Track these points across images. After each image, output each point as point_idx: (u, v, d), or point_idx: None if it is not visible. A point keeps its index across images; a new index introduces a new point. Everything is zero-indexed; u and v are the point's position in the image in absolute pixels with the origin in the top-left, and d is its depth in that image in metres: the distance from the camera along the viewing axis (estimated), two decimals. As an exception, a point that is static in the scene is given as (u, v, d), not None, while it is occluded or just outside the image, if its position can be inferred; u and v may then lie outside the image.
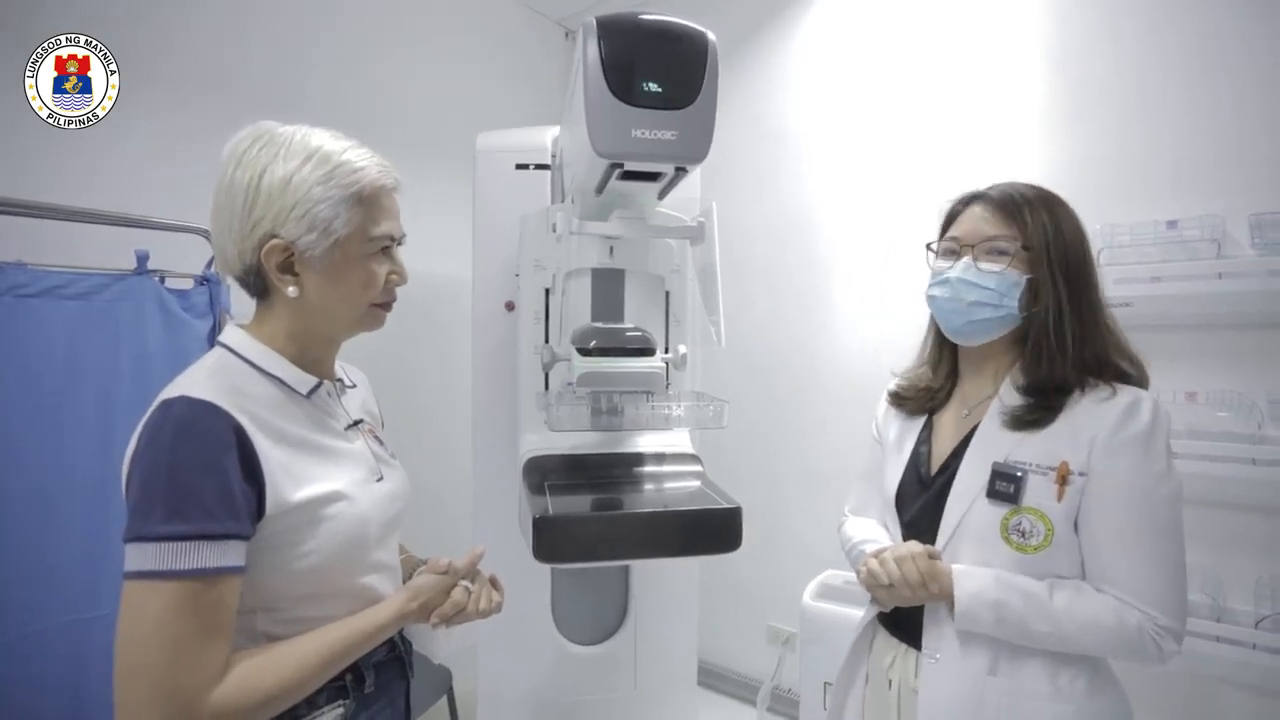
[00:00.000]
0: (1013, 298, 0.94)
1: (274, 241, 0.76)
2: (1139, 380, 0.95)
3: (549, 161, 1.46)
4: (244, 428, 0.71)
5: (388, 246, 0.85)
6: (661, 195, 1.12)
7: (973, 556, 0.92)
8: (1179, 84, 1.53)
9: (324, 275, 0.79)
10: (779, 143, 2.18)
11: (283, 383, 0.80)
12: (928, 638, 0.95)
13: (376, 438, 0.92)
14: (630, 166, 0.96)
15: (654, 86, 0.91)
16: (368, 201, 0.80)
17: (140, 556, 0.65)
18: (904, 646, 1.00)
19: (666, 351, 1.30)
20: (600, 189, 1.03)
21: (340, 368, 0.93)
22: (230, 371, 0.77)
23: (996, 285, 0.94)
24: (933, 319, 1.07)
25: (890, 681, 1.01)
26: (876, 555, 0.96)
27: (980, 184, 1.03)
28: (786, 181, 2.17)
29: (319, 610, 0.77)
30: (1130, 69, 1.59)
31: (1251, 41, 1.45)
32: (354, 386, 0.95)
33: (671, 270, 1.33)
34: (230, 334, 0.82)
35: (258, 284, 0.81)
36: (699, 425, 1.27)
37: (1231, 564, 1.45)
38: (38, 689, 1.22)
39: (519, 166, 1.47)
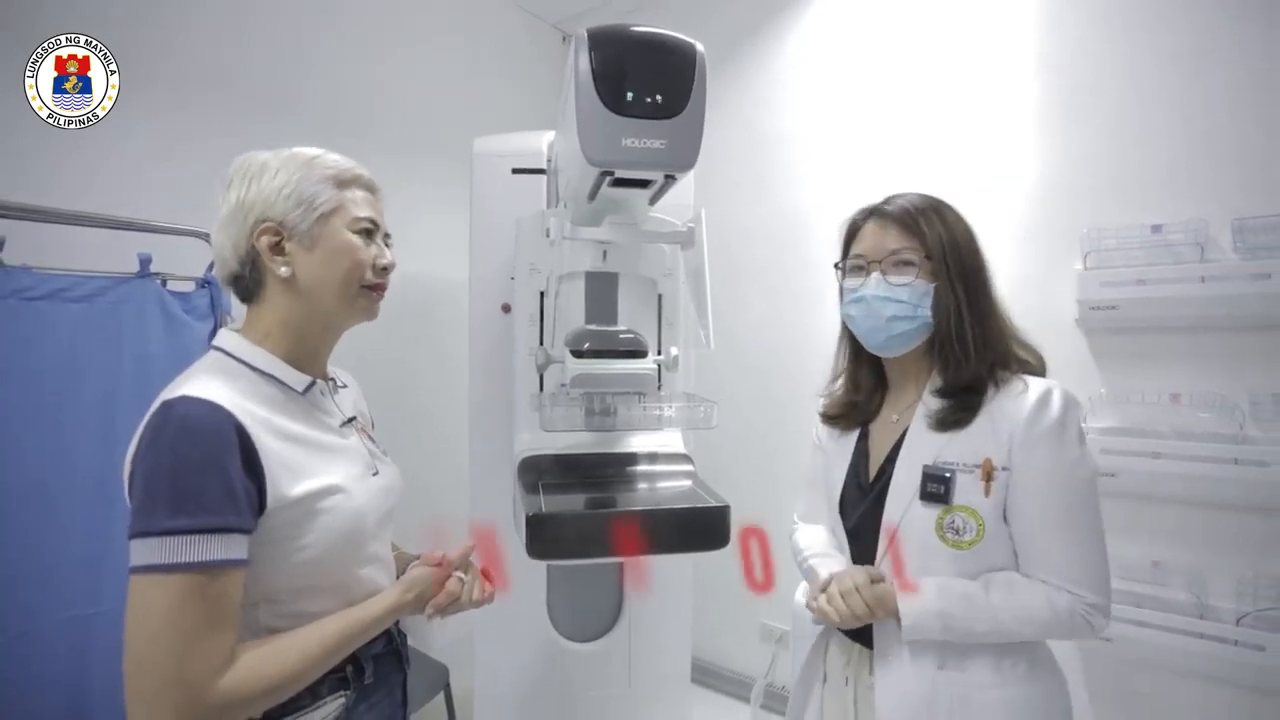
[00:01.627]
0: (925, 306, 0.98)
1: (265, 224, 0.82)
2: (1038, 369, 1.00)
3: (545, 166, 1.48)
4: (244, 426, 0.73)
5: (371, 230, 0.89)
6: (653, 201, 1.15)
7: (913, 557, 0.96)
8: (1165, 90, 1.55)
9: (312, 250, 0.84)
10: (774, 145, 2.20)
11: (279, 381, 0.82)
12: (879, 641, 0.98)
13: (368, 435, 0.95)
14: (620, 174, 0.98)
15: (643, 96, 0.93)
16: (347, 185, 0.87)
17: (145, 551, 0.68)
18: (857, 647, 1.04)
19: (659, 353, 1.32)
20: (592, 196, 1.06)
21: (332, 370, 0.96)
22: (228, 372, 0.80)
23: (909, 297, 0.98)
24: (842, 336, 1.13)
25: (847, 679, 1.04)
26: (824, 589, 0.98)
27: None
28: (782, 184, 2.19)
29: (319, 602, 0.80)
30: (1118, 75, 1.61)
31: (1237, 47, 1.48)
32: (345, 387, 0.98)
33: (664, 274, 1.35)
34: (224, 338, 0.85)
35: (253, 277, 0.85)
36: (690, 426, 1.29)
37: (1214, 562, 1.47)
38: (38, 686, 1.23)
39: (515, 170, 1.49)
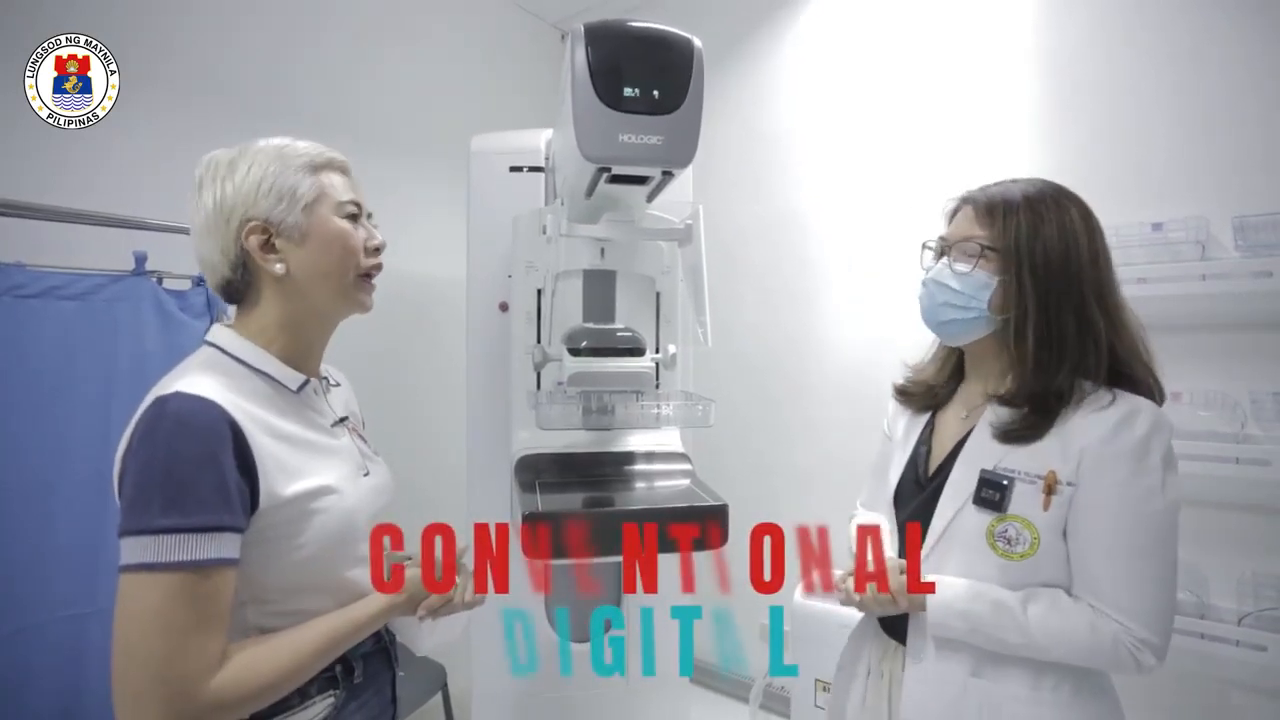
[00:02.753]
0: (982, 300, 0.93)
1: (250, 224, 0.80)
2: (1149, 390, 0.92)
3: (543, 164, 1.48)
4: (238, 423, 0.72)
5: (356, 215, 0.87)
6: (650, 198, 1.14)
7: (960, 561, 0.93)
8: (1165, 87, 1.54)
9: (304, 243, 0.82)
10: (772, 143, 2.20)
11: (272, 379, 0.82)
12: (912, 638, 0.97)
13: (360, 435, 0.95)
14: (617, 170, 0.97)
15: (640, 92, 0.93)
16: (321, 170, 0.85)
17: (137, 549, 0.67)
18: (894, 643, 1.02)
19: (657, 351, 1.32)
20: (589, 192, 1.05)
21: (324, 368, 0.95)
22: (221, 368, 0.78)
23: (962, 287, 0.94)
24: None
25: (883, 673, 1.03)
26: (845, 580, 0.98)
27: (969, 185, 1.03)
28: (780, 181, 2.18)
29: (309, 602, 0.79)
30: (1117, 72, 1.60)
31: (1236, 46, 1.47)
32: (338, 385, 0.97)
33: (662, 271, 1.35)
34: (217, 333, 0.83)
35: (244, 279, 0.83)
36: (687, 424, 1.29)
37: (1215, 562, 1.46)
38: (32, 685, 1.24)
39: (513, 168, 1.48)
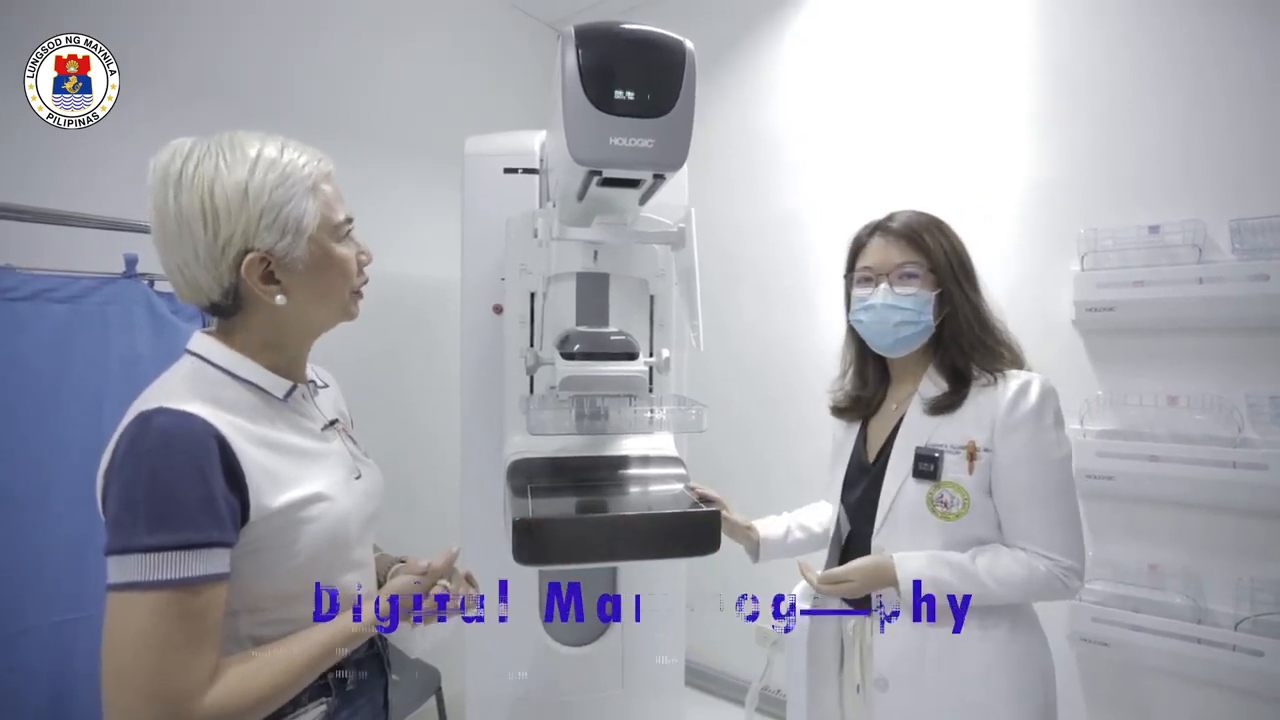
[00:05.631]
0: (927, 313, 1.10)
1: (251, 255, 0.75)
2: (1015, 363, 1.12)
3: (537, 166, 1.47)
4: (224, 436, 0.71)
5: (349, 230, 0.86)
6: (643, 200, 1.13)
7: (907, 527, 1.10)
8: (1162, 89, 1.54)
9: (306, 275, 0.79)
10: (768, 144, 2.19)
11: (258, 388, 0.80)
12: (885, 599, 1.11)
13: (350, 437, 0.93)
14: (608, 174, 0.97)
15: (631, 95, 0.92)
16: (320, 191, 0.80)
17: (125, 568, 0.65)
18: (859, 616, 1.16)
19: (650, 355, 1.31)
20: (581, 195, 1.04)
21: (311, 369, 0.93)
22: (205, 379, 0.77)
23: (913, 305, 1.10)
24: (849, 338, 1.26)
25: (855, 641, 1.17)
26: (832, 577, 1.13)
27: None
28: (775, 183, 2.18)
29: (303, 610, 0.79)
30: (1115, 75, 1.60)
31: (1234, 48, 1.46)
32: (326, 387, 0.95)
33: (655, 274, 1.34)
34: (200, 342, 0.80)
35: (234, 304, 0.79)
36: (680, 429, 1.28)
37: (1212, 566, 1.46)
38: (19, 691, 1.22)
39: (507, 170, 1.47)
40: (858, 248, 1.20)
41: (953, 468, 1.07)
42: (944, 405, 1.10)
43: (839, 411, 1.28)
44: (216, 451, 0.70)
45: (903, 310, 1.10)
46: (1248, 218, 1.40)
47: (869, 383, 1.25)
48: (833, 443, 1.32)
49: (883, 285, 1.12)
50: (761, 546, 1.30)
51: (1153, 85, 1.55)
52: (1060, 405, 1.07)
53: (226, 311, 0.80)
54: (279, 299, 0.78)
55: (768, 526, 1.32)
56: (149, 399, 0.72)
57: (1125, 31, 1.59)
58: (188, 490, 0.67)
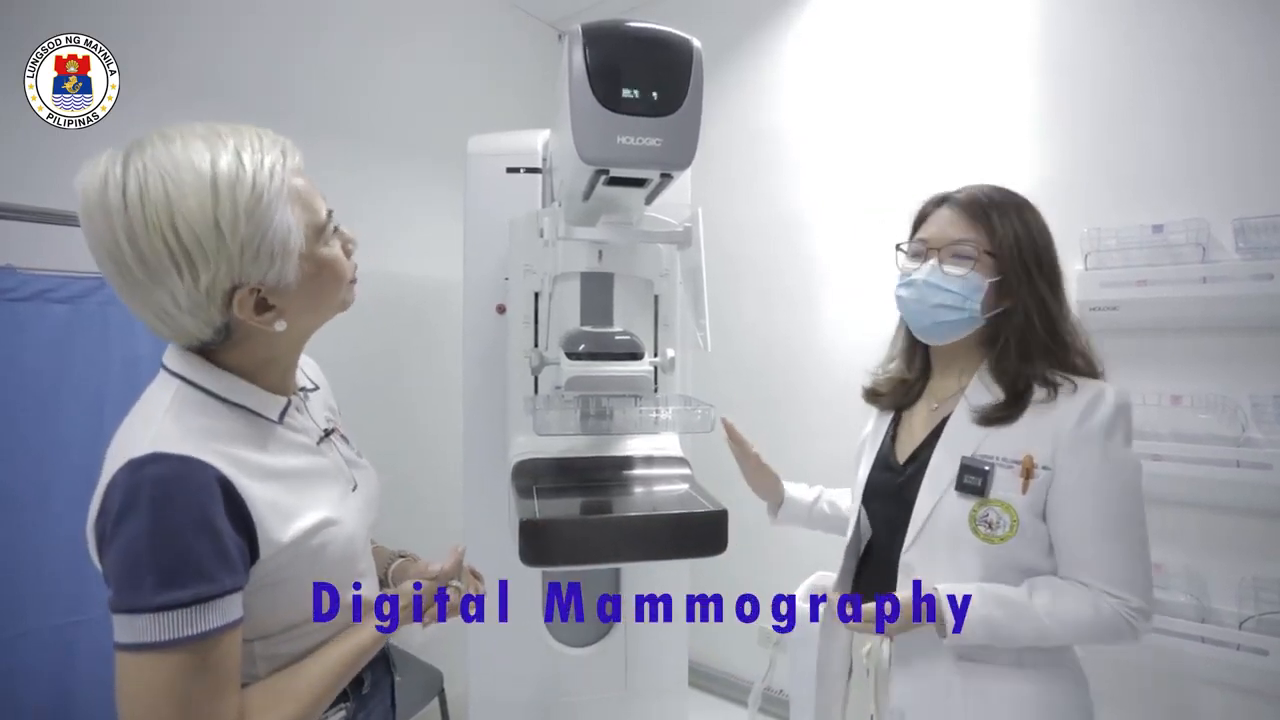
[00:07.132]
0: (975, 300, 0.96)
1: (241, 292, 0.68)
2: (1090, 374, 0.98)
3: (540, 165, 1.46)
4: (228, 477, 0.65)
5: (332, 224, 0.77)
6: (649, 200, 1.13)
7: (944, 546, 0.96)
8: (1165, 89, 1.54)
9: (301, 291, 0.73)
10: (772, 143, 2.18)
11: (250, 411, 0.73)
12: (900, 636, 0.97)
13: (343, 437, 0.90)
14: (615, 173, 0.96)
15: (639, 93, 0.92)
16: (296, 193, 0.71)
17: (135, 628, 0.62)
18: (877, 638, 1.02)
19: (655, 355, 1.31)
20: (587, 195, 1.04)
21: (299, 371, 0.87)
22: (194, 408, 0.69)
23: (960, 289, 0.96)
24: (901, 319, 1.11)
25: (868, 670, 1.04)
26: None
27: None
28: (779, 182, 2.17)
29: (315, 630, 0.78)
30: (1118, 74, 1.59)
31: (1236, 47, 1.46)
32: (316, 389, 0.90)
33: (660, 274, 1.34)
34: (181, 362, 0.72)
35: (226, 335, 0.71)
36: (686, 430, 1.28)
37: (1216, 565, 1.46)
38: (19, 695, 1.21)
39: (510, 170, 1.47)
40: (921, 217, 1.07)
41: (1003, 484, 0.92)
42: (997, 417, 0.95)
43: (873, 395, 1.15)
44: (221, 498, 0.65)
45: (945, 292, 0.97)
46: (1251, 217, 1.39)
47: (914, 369, 1.12)
48: (861, 435, 1.20)
49: (931, 261, 0.99)
50: (785, 505, 1.23)
51: (1156, 84, 1.55)
52: (1132, 420, 0.95)
53: (219, 341, 0.72)
54: (279, 325, 0.72)
55: (797, 489, 1.25)
56: (136, 439, 0.65)
57: (1128, 30, 1.59)
58: (195, 543, 0.63)
